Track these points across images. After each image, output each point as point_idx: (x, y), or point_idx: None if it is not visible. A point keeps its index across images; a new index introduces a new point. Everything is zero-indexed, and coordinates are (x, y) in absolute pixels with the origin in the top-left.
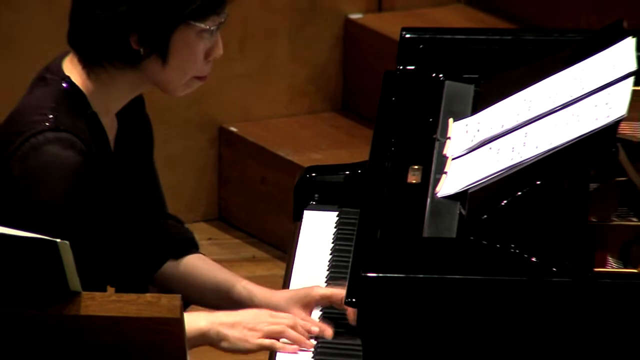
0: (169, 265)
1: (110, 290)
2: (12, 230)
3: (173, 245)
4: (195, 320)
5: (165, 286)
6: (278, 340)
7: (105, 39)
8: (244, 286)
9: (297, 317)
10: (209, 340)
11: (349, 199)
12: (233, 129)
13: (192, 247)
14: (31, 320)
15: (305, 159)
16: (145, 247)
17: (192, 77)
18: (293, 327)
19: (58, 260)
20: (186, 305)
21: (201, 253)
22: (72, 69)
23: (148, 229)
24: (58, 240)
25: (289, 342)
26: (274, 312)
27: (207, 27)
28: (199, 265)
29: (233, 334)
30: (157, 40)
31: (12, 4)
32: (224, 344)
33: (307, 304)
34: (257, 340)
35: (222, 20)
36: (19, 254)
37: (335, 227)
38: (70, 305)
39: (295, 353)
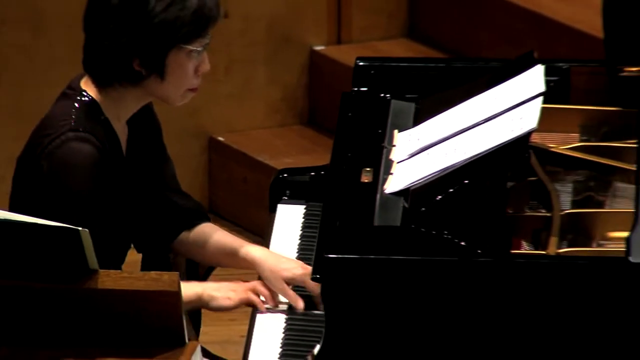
0: (184, 235)
1: (138, 258)
2: (43, 220)
3: (184, 218)
4: (193, 287)
5: (183, 253)
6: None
7: (113, 64)
8: (247, 251)
9: (278, 288)
10: (203, 301)
11: (314, 195)
12: (220, 138)
13: (201, 218)
14: (58, 293)
15: (279, 162)
16: (161, 222)
17: (186, 90)
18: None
19: (79, 244)
20: (210, 270)
21: (210, 222)
22: (88, 86)
23: (162, 207)
24: (80, 228)
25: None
26: (245, 284)
27: (195, 48)
28: (207, 232)
29: (219, 294)
30: (155, 62)
31: (42, 35)
32: (213, 303)
33: (289, 281)
34: (237, 297)
35: (207, 41)
36: (48, 240)
37: (303, 218)
38: (90, 281)
39: (268, 311)
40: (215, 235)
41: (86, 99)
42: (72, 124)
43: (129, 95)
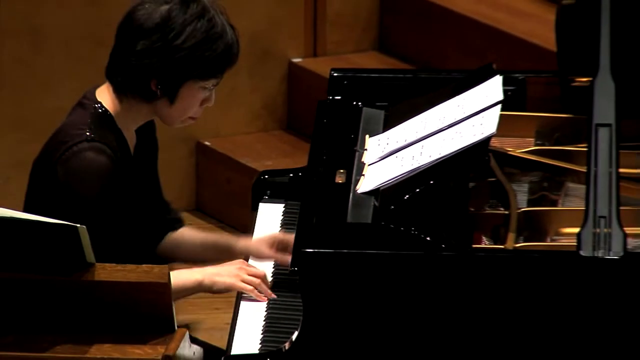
0: (165, 240)
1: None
2: (45, 218)
3: (168, 224)
4: (193, 274)
5: (166, 255)
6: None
7: (132, 79)
8: (226, 239)
9: (267, 254)
10: (204, 287)
11: (293, 195)
12: (207, 143)
13: (174, 225)
14: (59, 284)
15: (260, 165)
16: (149, 229)
17: (188, 117)
18: (264, 280)
19: (78, 240)
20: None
21: (185, 226)
22: (103, 96)
23: (150, 216)
24: (78, 225)
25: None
26: (246, 264)
27: (208, 86)
28: (180, 234)
29: (220, 279)
30: (170, 88)
31: (44, 53)
32: (215, 287)
33: (272, 243)
34: (238, 283)
35: (218, 81)
36: (50, 236)
37: (282, 215)
38: (87, 274)
39: (262, 300)
40: (190, 234)
41: (100, 110)
42: (87, 133)
43: (138, 109)
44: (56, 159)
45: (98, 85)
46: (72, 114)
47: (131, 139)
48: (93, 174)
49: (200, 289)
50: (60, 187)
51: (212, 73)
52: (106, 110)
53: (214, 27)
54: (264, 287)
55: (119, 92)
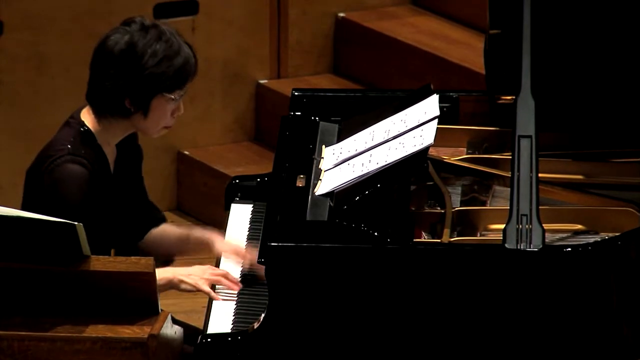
0: (149, 235)
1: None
2: (49, 217)
3: (149, 222)
4: (164, 272)
5: (147, 250)
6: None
7: (109, 100)
8: (200, 234)
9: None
10: (173, 284)
11: (260, 196)
12: (186, 152)
13: (156, 223)
14: (59, 274)
15: (232, 171)
16: (133, 225)
17: (162, 127)
18: (226, 277)
19: (75, 236)
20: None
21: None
22: (86, 116)
23: (134, 214)
24: (76, 223)
25: (223, 290)
26: (213, 267)
27: (174, 97)
28: (165, 229)
29: (188, 279)
30: (142, 103)
31: (48, 76)
32: (182, 285)
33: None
34: (203, 285)
35: (184, 92)
36: (53, 233)
37: (251, 214)
38: (84, 264)
39: (223, 299)
40: (171, 229)
41: (83, 128)
42: (69, 148)
43: (117, 125)
44: (43, 170)
45: (83, 107)
46: (59, 132)
47: (111, 153)
48: (72, 181)
49: (169, 285)
50: (46, 193)
51: (175, 85)
52: (88, 129)
53: (172, 46)
54: (226, 282)
55: (99, 113)
